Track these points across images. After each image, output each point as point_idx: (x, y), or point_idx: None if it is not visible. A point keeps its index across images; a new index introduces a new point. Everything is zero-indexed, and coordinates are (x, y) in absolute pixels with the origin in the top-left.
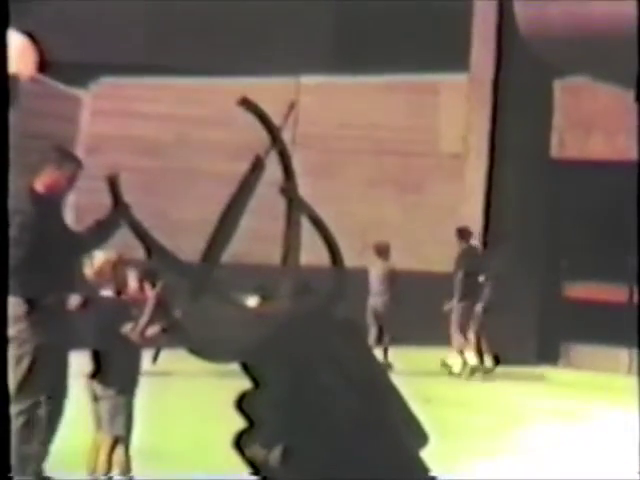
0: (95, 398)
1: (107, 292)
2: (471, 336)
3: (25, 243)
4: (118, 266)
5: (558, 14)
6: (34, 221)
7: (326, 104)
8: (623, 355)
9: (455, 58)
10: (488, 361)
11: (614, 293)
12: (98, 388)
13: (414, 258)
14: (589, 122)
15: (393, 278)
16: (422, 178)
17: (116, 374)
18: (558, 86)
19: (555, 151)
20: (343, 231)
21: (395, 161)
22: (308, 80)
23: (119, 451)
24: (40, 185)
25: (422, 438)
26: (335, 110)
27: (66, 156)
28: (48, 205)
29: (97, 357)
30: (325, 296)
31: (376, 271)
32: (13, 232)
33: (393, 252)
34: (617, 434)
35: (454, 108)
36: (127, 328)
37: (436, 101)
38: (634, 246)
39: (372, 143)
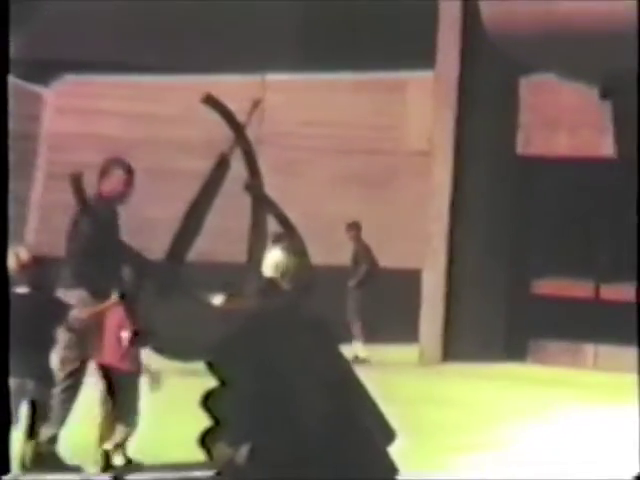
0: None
1: (23, 289)
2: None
3: (88, 239)
4: (39, 265)
5: (523, 11)
6: (98, 221)
7: (292, 102)
8: (589, 350)
9: (421, 56)
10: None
11: (580, 289)
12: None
13: (382, 256)
14: (554, 119)
15: (358, 262)
16: (389, 176)
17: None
18: (523, 83)
19: (521, 148)
20: (310, 229)
21: (362, 159)
22: (274, 78)
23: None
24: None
25: (390, 435)
26: (301, 108)
27: (121, 165)
28: (109, 207)
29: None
30: (292, 294)
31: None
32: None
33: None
34: (585, 429)
35: (420, 106)
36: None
37: (402, 99)
38: (601, 242)
39: (339, 141)
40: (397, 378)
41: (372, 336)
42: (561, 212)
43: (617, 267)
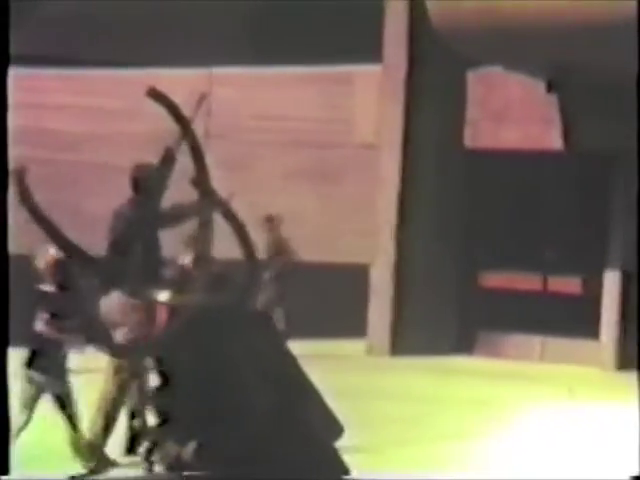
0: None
1: (47, 287)
2: None
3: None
4: (61, 264)
5: (470, 5)
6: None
7: (240, 96)
8: (536, 343)
9: (369, 49)
10: None
11: (528, 282)
12: (35, 375)
13: (331, 250)
14: (502, 112)
15: (275, 255)
16: (337, 169)
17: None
18: (471, 77)
19: (469, 141)
20: (259, 224)
21: (310, 152)
22: (221, 71)
23: None
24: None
25: (337, 430)
26: (250, 101)
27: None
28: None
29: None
30: (239, 289)
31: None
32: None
33: (310, 245)
34: (534, 421)
35: (368, 99)
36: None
37: (350, 92)
38: (549, 235)
39: (287, 134)
40: (346, 372)
41: (321, 330)
42: (509, 205)
43: (564, 260)
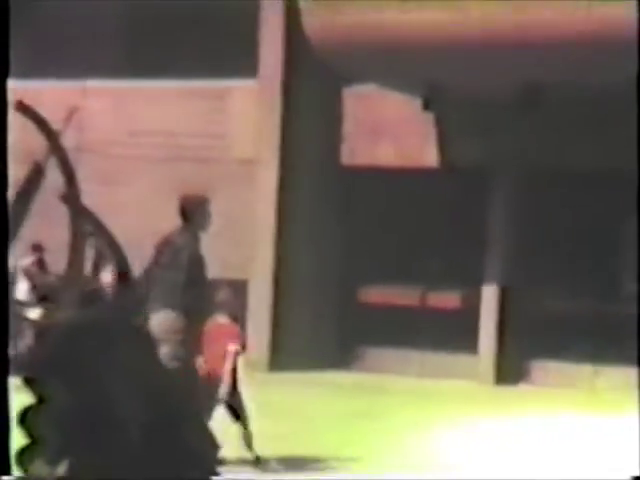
0: None
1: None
2: None
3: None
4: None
5: (346, 23)
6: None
7: (115, 109)
8: (414, 357)
9: (245, 64)
10: None
11: (407, 297)
12: None
13: (209, 266)
14: (378, 129)
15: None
16: (214, 184)
17: None
18: (347, 94)
19: (346, 158)
20: (135, 240)
21: (187, 168)
22: (95, 84)
23: None
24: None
25: (213, 446)
26: (124, 116)
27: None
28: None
29: None
30: (111, 306)
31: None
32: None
33: None
34: (408, 432)
35: (245, 114)
36: None
37: (227, 107)
38: (427, 250)
39: (162, 149)
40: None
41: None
42: (387, 221)
43: (443, 275)
